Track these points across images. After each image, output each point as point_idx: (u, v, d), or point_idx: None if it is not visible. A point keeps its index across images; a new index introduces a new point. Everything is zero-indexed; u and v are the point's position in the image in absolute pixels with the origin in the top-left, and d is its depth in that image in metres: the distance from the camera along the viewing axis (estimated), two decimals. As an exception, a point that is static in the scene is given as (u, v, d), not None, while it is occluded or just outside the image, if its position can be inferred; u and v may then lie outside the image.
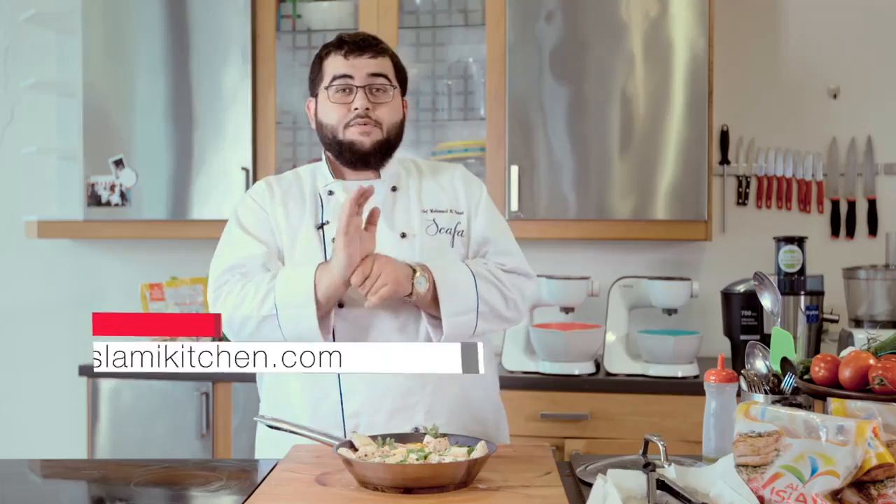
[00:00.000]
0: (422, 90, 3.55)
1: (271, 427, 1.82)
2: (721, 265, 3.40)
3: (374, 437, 1.66)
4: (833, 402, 1.45)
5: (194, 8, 3.43)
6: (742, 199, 3.47)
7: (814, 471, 1.32)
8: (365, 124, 1.91)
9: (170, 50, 3.45)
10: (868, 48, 3.41)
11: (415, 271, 1.83)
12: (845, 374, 1.45)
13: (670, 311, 3.18)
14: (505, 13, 3.25)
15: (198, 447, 3.26)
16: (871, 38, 3.41)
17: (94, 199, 3.47)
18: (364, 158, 1.94)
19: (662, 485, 1.39)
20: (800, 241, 3.15)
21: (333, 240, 1.89)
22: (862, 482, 1.31)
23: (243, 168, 3.39)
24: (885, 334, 1.61)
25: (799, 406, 1.55)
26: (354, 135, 1.92)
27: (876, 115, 3.41)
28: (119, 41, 3.48)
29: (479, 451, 1.58)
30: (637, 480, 1.43)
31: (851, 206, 3.42)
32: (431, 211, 1.97)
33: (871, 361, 1.43)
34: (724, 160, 3.47)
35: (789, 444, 1.36)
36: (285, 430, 1.79)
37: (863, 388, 1.43)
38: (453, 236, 1.96)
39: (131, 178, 3.46)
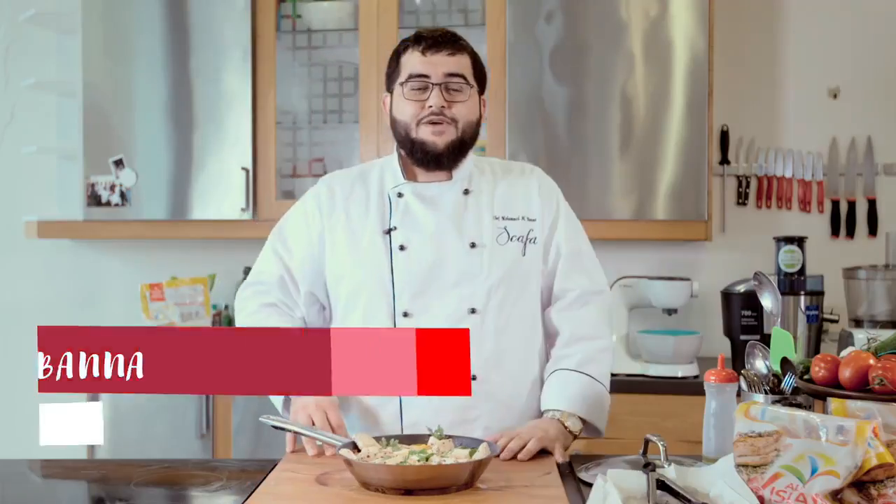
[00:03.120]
0: (422, 90, 3.54)
1: (276, 428, 1.82)
2: (721, 265, 3.40)
3: (377, 438, 1.66)
4: (833, 402, 1.44)
5: (194, 8, 3.42)
6: (742, 198, 3.47)
7: (814, 471, 1.32)
8: (439, 122, 1.87)
9: (170, 50, 3.45)
10: (868, 48, 3.41)
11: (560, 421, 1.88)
12: (845, 374, 1.45)
13: (670, 311, 3.18)
14: (505, 13, 3.25)
15: (198, 447, 3.25)
16: (871, 38, 3.41)
17: (94, 199, 3.47)
18: (437, 159, 1.90)
19: (662, 485, 1.39)
20: (800, 241, 3.15)
21: (402, 247, 1.89)
22: (862, 482, 1.31)
23: (243, 168, 3.38)
24: (885, 334, 1.60)
25: (799, 406, 1.55)
26: (427, 134, 1.88)
27: (876, 115, 3.41)
28: (119, 41, 3.47)
29: (481, 452, 1.58)
30: (637, 480, 1.43)
31: (851, 206, 3.42)
32: (504, 218, 1.93)
33: (871, 361, 1.43)
34: (724, 160, 3.46)
35: (789, 444, 1.36)
36: (289, 431, 1.79)
37: (863, 388, 1.43)
38: (525, 244, 1.92)
39: (131, 178, 3.46)
